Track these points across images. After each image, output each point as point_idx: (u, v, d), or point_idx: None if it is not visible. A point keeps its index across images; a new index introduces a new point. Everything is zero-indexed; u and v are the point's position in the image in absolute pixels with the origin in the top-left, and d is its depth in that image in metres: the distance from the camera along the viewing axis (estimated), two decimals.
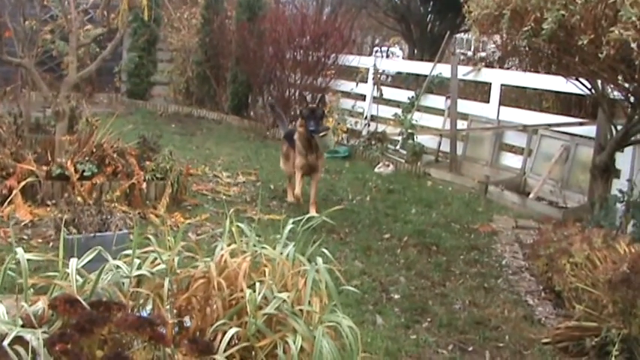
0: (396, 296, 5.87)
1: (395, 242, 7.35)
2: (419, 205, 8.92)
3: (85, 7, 8.65)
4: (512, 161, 10.75)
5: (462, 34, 20.43)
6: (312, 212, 7.35)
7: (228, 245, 3.60)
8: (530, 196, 9.51)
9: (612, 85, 7.37)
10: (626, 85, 7.06)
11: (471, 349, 5.07)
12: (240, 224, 3.74)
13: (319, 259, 3.45)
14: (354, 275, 6.20)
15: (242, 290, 3.28)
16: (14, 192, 7.14)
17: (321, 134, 7.98)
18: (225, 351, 3.06)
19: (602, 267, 5.21)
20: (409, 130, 11.87)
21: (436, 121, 12.11)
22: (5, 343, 2.78)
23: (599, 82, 7.59)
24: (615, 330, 4.78)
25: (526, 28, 6.21)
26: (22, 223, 6.82)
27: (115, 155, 7.97)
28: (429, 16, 21.15)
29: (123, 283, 3.35)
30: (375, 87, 13.20)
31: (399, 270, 6.53)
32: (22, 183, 7.26)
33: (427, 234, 7.68)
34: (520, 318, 5.64)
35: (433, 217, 8.46)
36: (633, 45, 5.52)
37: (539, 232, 7.41)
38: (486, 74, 11.57)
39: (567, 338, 5.12)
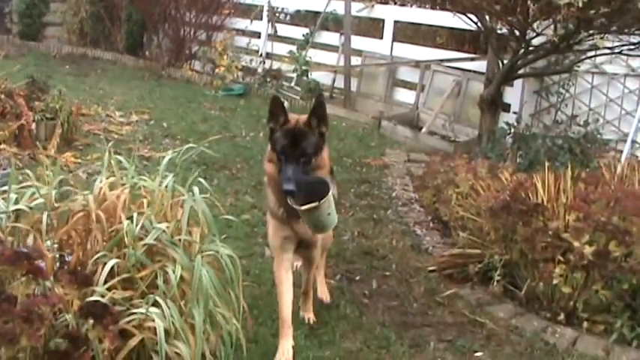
0: None
1: None
2: None
3: None
4: (406, 97, 10.84)
5: None
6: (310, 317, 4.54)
7: (108, 178, 3.53)
8: (423, 130, 9.63)
9: (498, 20, 7.47)
10: (510, 18, 7.16)
11: (358, 278, 5.18)
12: (119, 157, 3.65)
13: (196, 189, 3.41)
14: (244, 209, 6.23)
15: (121, 222, 3.24)
16: None
17: (306, 207, 3.72)
18: (106, 282, 3.02)
19: (484, 195, 5.34)
20: (304, 67, 11.82)
21: (331, 58, 12.05)
22: None
23: (487, 16, 7.67)
24: (497, 256, 4.94)
25: None
26: None
27: (2, 96, 7.70)
28: None
29: (1, 219, 3.26)
30: (270, 24, 13.07)
31: None
32: None
33: None
34: (407, 247, 5.77)
35: None
36: None
37: (428, 165, 7.53)
38: (379, 11, 11.50)
39: (452, 265, 5.26)
